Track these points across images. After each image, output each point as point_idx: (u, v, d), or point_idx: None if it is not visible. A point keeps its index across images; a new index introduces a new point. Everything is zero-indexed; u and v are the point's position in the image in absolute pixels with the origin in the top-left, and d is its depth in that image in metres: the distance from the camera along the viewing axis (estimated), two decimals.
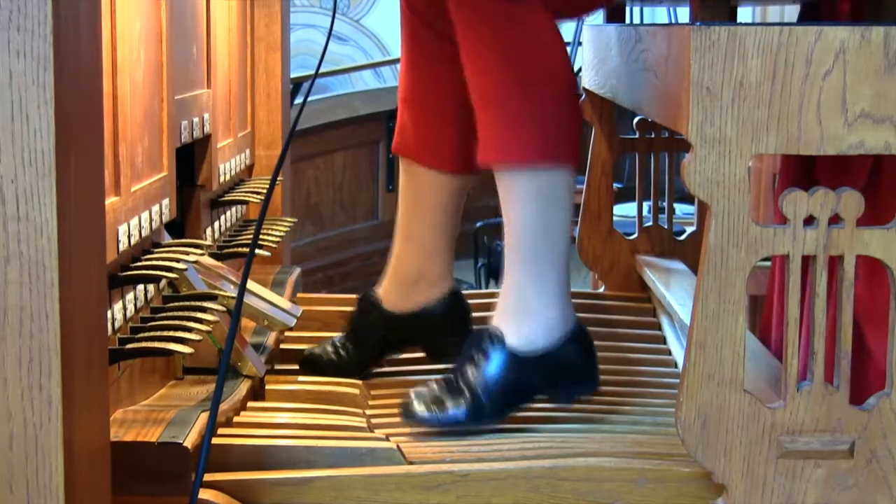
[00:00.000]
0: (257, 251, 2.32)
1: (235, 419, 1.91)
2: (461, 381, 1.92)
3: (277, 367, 2.28)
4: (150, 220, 1.93)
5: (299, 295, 2.72)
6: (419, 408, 1.92)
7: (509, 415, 1.95)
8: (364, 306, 2.27)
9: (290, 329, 2.32)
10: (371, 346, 2.25)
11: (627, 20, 2.91)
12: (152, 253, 1.95)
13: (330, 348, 2.26)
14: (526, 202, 1.91)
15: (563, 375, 1.96)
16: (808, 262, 1.59)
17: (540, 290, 1.94)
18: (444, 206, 2.20)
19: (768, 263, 2.43)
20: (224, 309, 1.96)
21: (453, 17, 1.95)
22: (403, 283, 2.24)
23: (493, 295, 2.58)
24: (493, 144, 1.92)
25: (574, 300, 2.66)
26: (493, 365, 1.92)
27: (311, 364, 2.25)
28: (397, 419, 2.01)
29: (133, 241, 1.83)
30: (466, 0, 1.92)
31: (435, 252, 2.21)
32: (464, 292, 2.31)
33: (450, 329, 2.23)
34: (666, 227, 2.78)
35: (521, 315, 1.94)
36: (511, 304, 1.95)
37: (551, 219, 1.92)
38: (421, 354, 2.34)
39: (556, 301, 1.95)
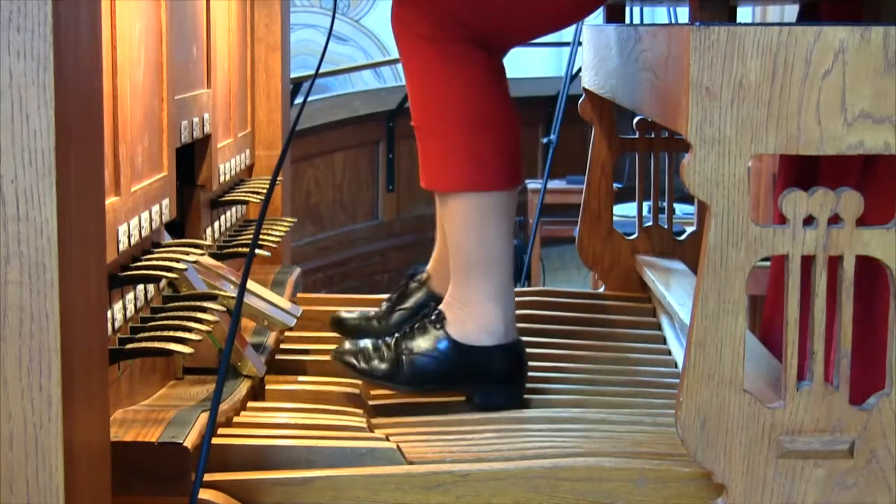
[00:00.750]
0: (257, 251, 2.32)
1: (235, 419, 1.91)
2: (393, 344, 2.09)
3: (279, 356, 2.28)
4: (150, 220, 1.93)
5: (299, 295, 2.72)
6: (348, 357, 2.09)
7: (424, 390, 2.09)
8: (408, 282, 2.35)
9: (290, 329, 2.32)
10: (406, 320, 2.30)
11: (627, 20, 2.91)
12: (152, 253, 1.95)
13: (359, 314, 2.34)
14: (458, 222, 2.06)
15: (486, 379, 2.08)
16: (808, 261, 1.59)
17: (478, 295, 2.07)
18: None
19: (768, 263, 2.43)
20: (224, 309, 1.96)
21: (397, 47, 2.10)
22: (446, 269, 2.28)
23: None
24: (433, 172, 2.08)
25: (574, 300, 2.69)
26: (426, 340, 2.08)
27: (339, 325, 2.34)
28: (397, 419, 2.01)
29: (133, 241, 1.83)
30: (404, 38, 2.07)
31: None
32: None
33: None
34: (666, 227, 2.79)
35: (462, 311, 2.09)
36: (454, 300, 2.10)
37: (483, 237, 2.06)
38: None
39: (496, 307, 2.08)
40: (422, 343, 2.08)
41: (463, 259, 2.08)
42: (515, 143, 2.09)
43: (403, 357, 2.07)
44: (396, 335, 2.11)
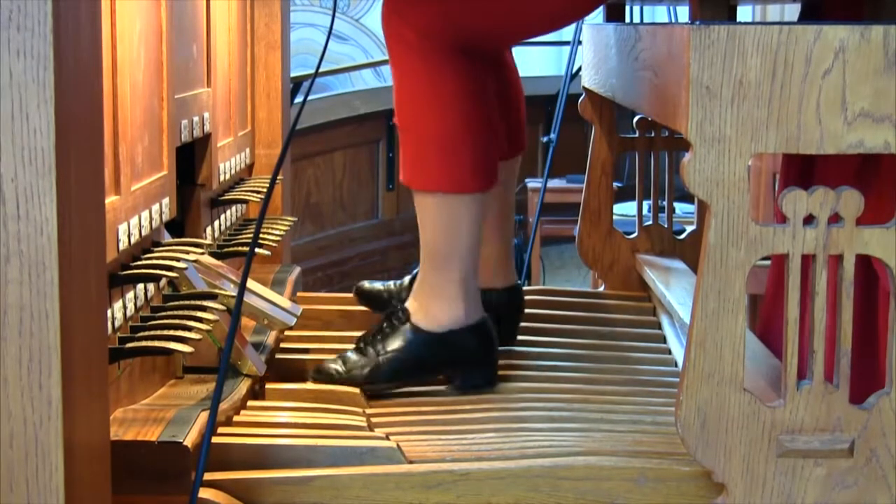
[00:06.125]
0: (257, 250, 2.32)
1: (235, 418, 1.92)
2: (368, 346, 2.16)
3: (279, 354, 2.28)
4: (150, 219, 1.93)
5: (299, 294, 2.72)
6: (327, 366, 2.15)
7: (404, 383, 2.16)
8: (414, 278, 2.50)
9: (290, 328, 2.32)
10: None
11: (627, 19, 2.91)
12: (152, 252, 1.95)
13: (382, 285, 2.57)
14: (429, 217, 2.15)
15: (460, 361, 2.17)
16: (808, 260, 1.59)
17: (444, 281, 2.15)
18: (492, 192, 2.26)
19: (768, 262, 2.43)
20: (224, 308, 1.96)
21: (386, 48, 2.18)
22: None
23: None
24: (409, 169, 2.15)
25: (574, 299, 2.69)
26: (397, 335, 2.16)
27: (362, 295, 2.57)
28: (398, 418, 2.01)
29: (133, 241, 1.83)
30: (392, 43, 2.14)
31: (491, 239, 2.35)
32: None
33: (506, 316, 2.37)
34: (666, 226, 2.79)
35: (428, 297, 2.17)
36: (420, 288, 2.19)
37: (452, 232, 2.14)
38: None
39: (460, 294, 2.16)
40: (393, 342, 2.15)
41: (432, 253, 2.15)
42: (491, 149, 2.15)
43: (380, 358, 2.14)
44: (368, 338, 2.17)
